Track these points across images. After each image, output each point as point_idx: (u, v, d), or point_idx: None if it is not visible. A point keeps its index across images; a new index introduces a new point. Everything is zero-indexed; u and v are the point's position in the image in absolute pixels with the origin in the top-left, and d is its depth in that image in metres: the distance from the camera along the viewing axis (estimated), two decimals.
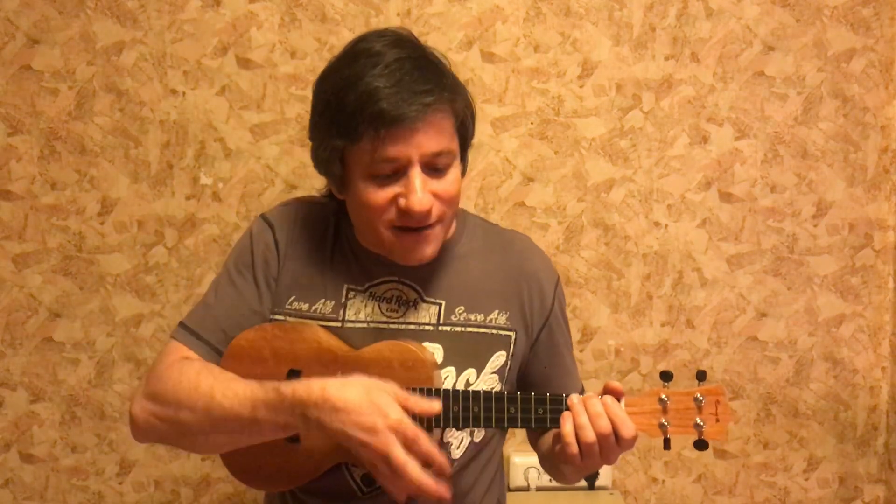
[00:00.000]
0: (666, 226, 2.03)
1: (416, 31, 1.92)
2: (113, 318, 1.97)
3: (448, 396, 1.18)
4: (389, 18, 1.93)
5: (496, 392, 1.21)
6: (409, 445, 1.10)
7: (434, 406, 1.14)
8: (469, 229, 1.36)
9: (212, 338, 1.29)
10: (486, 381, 1.30)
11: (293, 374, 1.24)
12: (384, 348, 1.23)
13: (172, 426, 1.21)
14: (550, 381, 1.36)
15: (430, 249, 1.23)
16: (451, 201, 1.22)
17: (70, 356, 1.98)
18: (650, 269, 2.04)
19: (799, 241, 2.05)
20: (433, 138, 1.17)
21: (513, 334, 1.32)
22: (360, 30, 1.92)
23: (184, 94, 1.93)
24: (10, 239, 1.95)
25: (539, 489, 2.02)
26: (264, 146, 1.95)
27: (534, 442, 1.44)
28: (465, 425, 1.20)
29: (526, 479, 2.02)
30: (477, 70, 1.96)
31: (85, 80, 1.92)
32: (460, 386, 1.28)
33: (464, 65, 1.95)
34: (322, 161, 1.25)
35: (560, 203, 2.01)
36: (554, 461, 1.31)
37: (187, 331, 1.30)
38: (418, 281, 1.29)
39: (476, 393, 1.19)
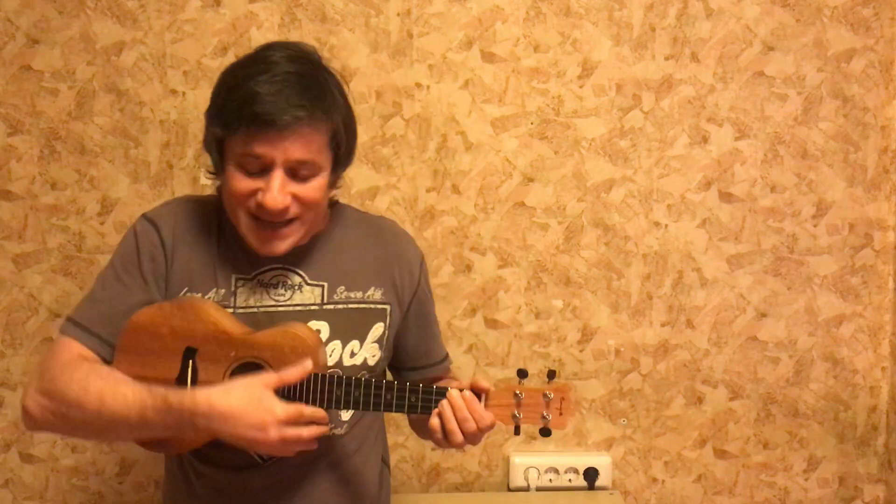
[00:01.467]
0: (666, 226, 2.03)
1: (415, 31, 1.93)
2: None
3: (332, 381, 1.31)
4: (389, 18, 1.93)
5: (375, 380, 1.34)
6: (296, 422, 1.26)
7: (306, 365, 1.29)
8: (343, 219, 1.49)
9: (102, 331, 1.35)
10: (368, 349, 1.44)
11: (189, 351, 1.32)
12: (276, 333, 1.33)
13: (64, 422, 1.30)
14: (419, 347, 1.54)
15: (283, 245, 1.34)
16: (310, 204, 1.32)
17: None
18: (650, 269, 2.04)
19: (799, 241, 2.05)
20: (299, 148, 1.28)
21: (388, 307, 1.46)
22: (361, 30, 1.93)
23: (184, 94, 1.93)
24: (10, 239, 1.95)
25: (539, 489, 2.03)
26: None
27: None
28: (347, 407, 1.35)
29: (526, 479, 2.02)
30: (477, 70, 1.96)
31: (85, 80, 1.92)
32: (346, 356, 1.42)
33: (464, 65, 1.95)
34: (206, 142, 1.37)
35: (560, 203, 2.01)
36: (422, 429, 1.43)
37: (77, 326, 1.36)
38: (301, 266, 1.41)
39: (357, 380, 1.33)
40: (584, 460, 2.04)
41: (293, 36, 1.92)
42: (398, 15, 1.94)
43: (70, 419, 1.28)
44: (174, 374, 1.32)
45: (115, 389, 1.26)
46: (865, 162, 2.04)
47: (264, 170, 1.28)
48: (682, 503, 2.11)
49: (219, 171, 1.37)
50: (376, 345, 1.45)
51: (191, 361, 1.32)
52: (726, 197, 2.03)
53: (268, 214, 1.30)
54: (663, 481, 2.10)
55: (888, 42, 2.01)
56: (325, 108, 1.29)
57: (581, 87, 1.98)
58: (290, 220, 1.32)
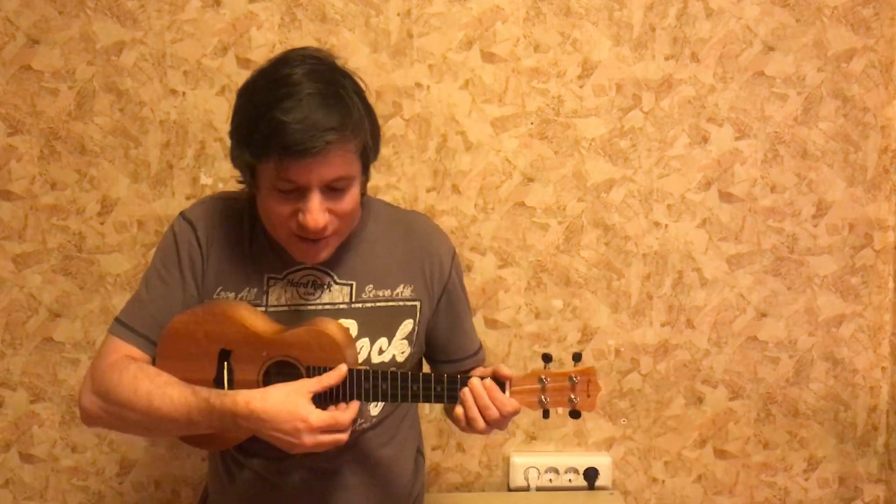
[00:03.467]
0: (666, 226, 2.03)
1: (415, 31, 1.93)
2: (113, 318, 1.97)
3: (360, 375, 1.35)
4: (389, 18, 1.93)
5: (401, 372, 1.37)
6: (329, 430, 1.31)
7: (341, 370, 1.33)
8: (373, 215, 1.50)
9: (148, 332, 1.40)
10: (396, 346, 1.47)
11: (224, 353, 1.37)
12: (305, 332, 1.37)
13: (118, 420, 1.37)
14: (451, 342, 1.56)
15: (324, 254, 1.38)
16: (346, 217, 1.36)
17: (70, 356, 1.98)
18: (650, 269, 2.04)
19: (799, 241, 2.05)
20: (333, 169, 1.30)
21: (418, 304, 1.49)
22: (360, 30, 1.93)
23: (184, 94, 1.93)
24: (10, 239, 1.95)
25: (539, 489, 2.03)
26: None
27: None
28: (375, 399, 1.37)
29: (526, 479, 2.02)
30: (477, 70, 1.96)
31: (85, 80, 1.92)
32: (374, 353, 1.45)
33: (464, 65, 1.95)
34: (234, 161, 1.38)
35: (560, 203, 2.01)
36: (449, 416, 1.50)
37: (124, 326, 1.41)
38: (330, 266, 1.43)
39: (384, 372, 1.36)
40: (584, 460, 2.04)
41: (293, 36, 1.92)
42: (398, 15, 1.94)
43: (123, 418, 1.35)
44: (212, 376, 1.37)
45: (163, 392, 1.32)
46: (865, 162, 2.04)
47: (299, 190, 1.30)
48: (682, 503, 2.11)
49: (249, 186, 1.40)
50: (405, 341, 1.48)
51: (226, 363, 1.37)
52: (726, 197, 2.03)
53: (310, 233, 1.32)
54: (663, 481, 2.10)
55: (888, 42, 2.01)
56: (352, 125, 1.30)
57: (581, 87, 1.98)
58: (329, 234, 1.35)
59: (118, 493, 2.03)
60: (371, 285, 1.45)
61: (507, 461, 2.05)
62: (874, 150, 2.03)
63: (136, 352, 1.39)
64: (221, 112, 1.94)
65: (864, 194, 2.05)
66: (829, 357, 2.08)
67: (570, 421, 2.05)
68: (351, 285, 1.44)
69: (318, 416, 1.29)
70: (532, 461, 2.03)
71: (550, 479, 2.03)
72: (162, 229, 1.95)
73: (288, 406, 1.29)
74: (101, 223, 1.95)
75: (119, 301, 1.96)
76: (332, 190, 1.32)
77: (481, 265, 2.00)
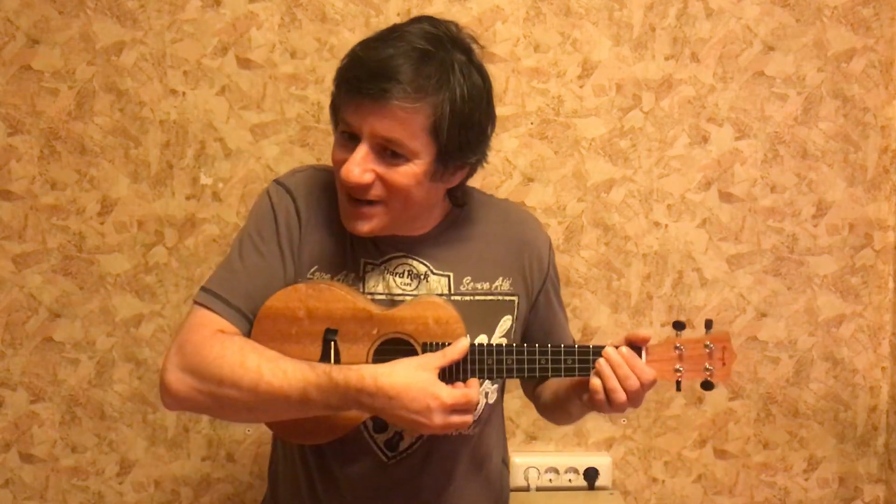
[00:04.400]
0: (666, 226, 2.03)
1: None
2: (113, 318, 1.97)
3: (483, 351, 1.26)
4: (389, 18, 1.93)
5: (528, 346, 1.28)
6: (459, 410, 1.20)
7: (464, 343, 1.24)
8: (468, 203, 1.41)
9: (242, 304, 1.27)
10: (496, 343, 1.36)
11: (330, 332, 1.27)
12: (417, 306, 1.28)
13: (214, 401, 1.22)
14: (548, 337, 1.44)
15: (365, 226, 1.26)
16: (395, 190, 1.24)
17: (70, 356, 1.98)
18: (650, 269, 2.04)
19: (799, 241, 2.05)
20: (385, 125, 1.20)
21: (516, 298, 1.39)
22: (361, 30, 1.92)
23: (184, 94, 1.93)
24: (10, 239, 1.95)
25: (539, 489, 2.03)
26: (264, 146, 1.95)
27: (529, 391, 1.54)
28: (500, 376, 1.28)
29: (526, 479, 2.02)
30: None
31: (85, 80, 1.92)
32: None
33: None
34: (331, 105, 1.30)
35: (560, 203, 2.01)
36: (564, 406, 1.40)
37: (216, 297, 1.28)
38: (426, 256, 1.34)
39: (509, 346, 1.27)
40: (584, 460, 2.04)
41: (293, 36, 1.92)
42: (398, 15, 1.94)
43: (221, 397, 1.20)
44: (316, 358, 1.26)
45: (275, 365, 1.19)
46: (865, 162, 2.04)
47: (354, 137, 1.23)
48: (682, 503, 2.11)
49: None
50: (504, 339, 1.37)
51: (333, 343, 1.27)
52: (726, 197, 2.03)
53: (349, 188, 1.23)
54: (663, 481, 2.10)
55: (888, 42, 2.01)
56: (428, 88, 1.19)
57: (581, 87, 1.98)
58: (374, 202, 1.25)
59: (118, 493, 2.03)
60: (469, 277, 1.35)
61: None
62: (874, 150, 2.04)
63: (228, 326, 1.25)
64: (221, 112, 1.94)
65: (864, 194, 2.05)
66: (829, 357, 2.08)
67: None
68: (448, 276, 1.34)
69: (450, 394, 1.19)
70: (532, 461, 2.03)
71: (550, 479, 2.03)
72: (162, 229, 1.95)
73: (419, 382, 1.18)
74: (101, 223, 1.95)
75: (119, 301, 1.96)
76: (387, 153, 1.22)
77: None
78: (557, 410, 1.46)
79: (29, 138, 1.92)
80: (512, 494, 2.03)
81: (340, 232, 1.31)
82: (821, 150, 2.03)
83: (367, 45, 1.22)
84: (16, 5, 1.89)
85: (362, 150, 1.21)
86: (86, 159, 1.94)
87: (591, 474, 2.02)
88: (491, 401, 1.40)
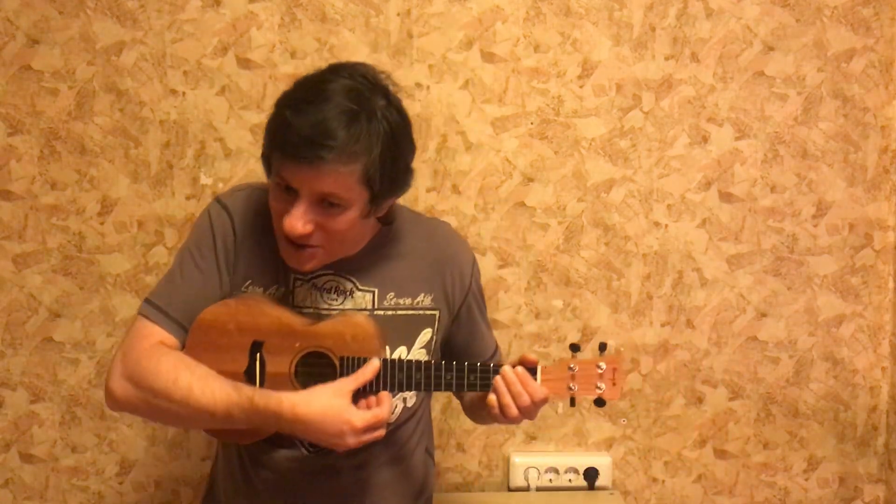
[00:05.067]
0: (666, 226, 2.03)
1: (415, 31, 1.93)
2: (113, 318, 1.97)
3: (394, 366, 1.38)
4: (389, 18, 1.93)
5: (435, 362, 1.41)
6: (370, 428, 1.33)
7: (374, 364, 1.36)
8: (397, 223, 1.50)
9: (181, 316, 1.39)
10: (415, 355, 1.47)
11: (256, 344, 1.38)
12: (337, 323, 1.39)
13: (149, 408, 1.35)
14: (469, 346, 1.57)
15: (308, 265, 1.38)
16: (336, 236, 1.35)
17: (70, 356, 1.98)
18: (650, 269, 2.04)
19: (799, 241, 2.05)
20: (323, 184, 1.29)
21: (437, 312, 1.50)
22: (361, 30, 1.92)
23: (184, 94, 1.93)
24: (10, 239, 1.95)
25: (539, 489, 2.03)
26: None
27: (458, 395, 1.66)
28: (409, 389, 1.40)
29: (526, 479, 2.02)
30: (477, 70, 1.96)
31: (85, 80, 1.92)
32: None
33: (464, 65, 1.95)
34: (262, 150, 1.39)
35: (560, 203, 2.01)
36: (477, 412, 1.56)
37: (158, 309, 1.40)
38: (353, 273, 1.44)
39: (418, 363, 1.39)
40: (584, 460, 2.04)
41: (293, 36, 1.92)
42: (398, 15, 1.94)
43: (154, 406, 1.34)
44: (243, 367, 1.38)
45: (204, 384, 1.31)
46: (865, 162, 2.04)
47: (293, 192, 1.31)
48: (682, 503, 2.11)
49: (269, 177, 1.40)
50: (423, 350, 1.48)
51: (258, 355, 1.38)
52: (726, 197, 2.03)
53: (291, 236, 1.33)
54: (663, 481, 2.10)
55: (888, 42, 2.01)
56: (358, 149, 1.28)
57: (581, 87, 1.98)
58: (315, 246, 1.35)
59: (118, 493, 2.03)
60: (392, 293, 1.46)
61: (507, 461, 2.05)
62: (874, 150, 2.04)
63: (168, 338, 1.38)
64: (221, 112, 1.94)
65: (864, 194, 2.05)
66: (829, 357, 2.08)
67: (571, 421, 2.05)
68: (373, 292, 1.45)
69: (361, 418, 1.31)
70: (532, 461, 2.03)
71: (550, 479, 2.03)
72: (162, 229, 1.96)
73: (333, 410, 1.30)
74: (101, 223, 1.95)
75: (119, 301, 1.96)
76: (326, 204, 1.31)
77: (481, 265, 1.99)
78: (473, 414, 1.62)
79: (29, 138, 1.92)
80: (512, 494, 2.04)
81: (273, 249, 1.41)
82: (821, 150, 2.03)
83: (295, 108, 1.28)
84: (16, 5, 1.89)
85: (302, 206, 1.30)
86: (86, 159, 1.94)
87: (591, 474, 2.02)
88: (410, 404, 1.51)
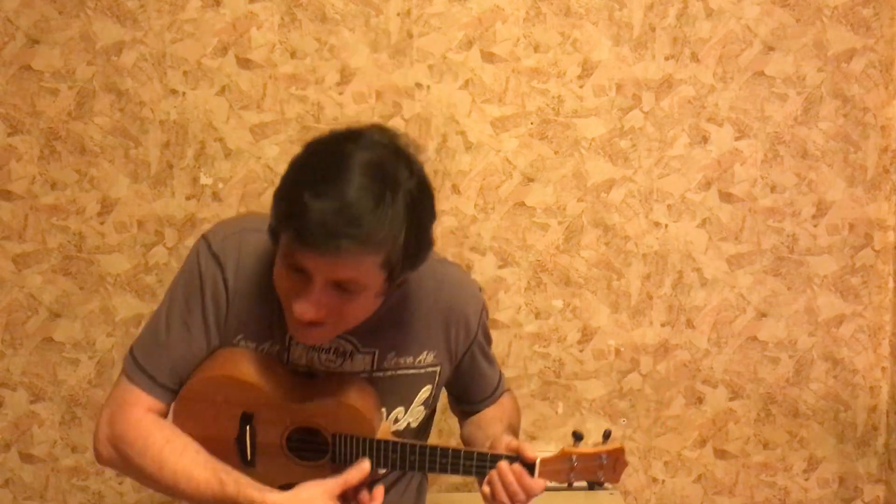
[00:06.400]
0: (666, 226, 2.03)
1: (415, 31, 1.93)
2: (113, 318, 1.97)
3: (388, 448, 1.33)
4: (389, 18, 1.93)
5: (430, 446, 1.34)
6: None
7: (364, 467, 1.31)
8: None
9: (168, 380, 1.34)
10: (413, 413, 1.42)
11: (246, 416, 1.33)
12: (332, 404, 1.32)
13: (133, 474, 1.35)
14: (469, 388, 1.51)
15: (315, 342, 1.31)
16: (348, 318, 1.26)
17: (70, 356, 1.98)
18: (650, 269, 2.04)
19: (799, 241, 2.05)
20: (341, 271, 1.18)
21: (438, 368, 1.42)
22: (361, 30, 1.92)
23: (184, 94, 1.93)
24: (10, 239, 1.95)
25: None
26: (264, 146, 1.95)
27: (455, 412, 1.60)
28: (403, 469, 1.36)
29: None
30: (477, 70, 1.96)
31: (85, 80, 1.92)
32: (389, 423, 1.40)
33: (464, 65, 1.95)
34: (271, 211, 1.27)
35: (560, 203, 2.01)
36: (473, 442, 1.50)
37: (144, 373, 1.34)
38: (354, 334, 1.34)
39: (413, 445, 1.33)
40: None
41: (293, 36, 1.92)
42: (398, 15, 1.94)
43: (139, 478, 1.33)
44: (233, 436, 1.33)
45: (190, 475, 1.28)
46: (865, 162, 2.04)
47: (302, 273, 1.20)
48: (682, 503, 2.11)
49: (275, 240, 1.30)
50: (422, 407, 1.43)
51: (248, 427, 1.33)
52: (726, 197, 2.03)
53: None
54: (663, 481, 2.10)
55: (888, 42, 2.01)
56: (379, 239, 1.16)
57: (581, 87, 1.98)
58: (323, 323, 1.25)
59: (118, 493, 2.03)
60: (393, 352, 1.37)
61: None
62: (874, 150, 2.04)
63: (155, 403, 1.33)
64: (221, 112, 1.94)
65: (864, 194, 2.05)
66: (829, 357, 2.08)
67: (571, 421, 2.05)
68: (374, 353, 1.37)
69: None
70: None
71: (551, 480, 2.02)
72: (162, 229, 1.95)
73: None
74: (101, 223, 1.95)
75: (119, 301, 1.96)
76: (341, 289, 1.21)
77: (481, 265, 2.00)
78: (469, 442, 1.54)
79: (29, 138, 1.92)
80: None
81: (268, 302, 1.31)
82: (821, 150, 2.03)
83: (313, 189, 1.15)
84: (16, 5, 1.89)
85: (315, 293, 1.20)
86: (86, 159, 1.94)
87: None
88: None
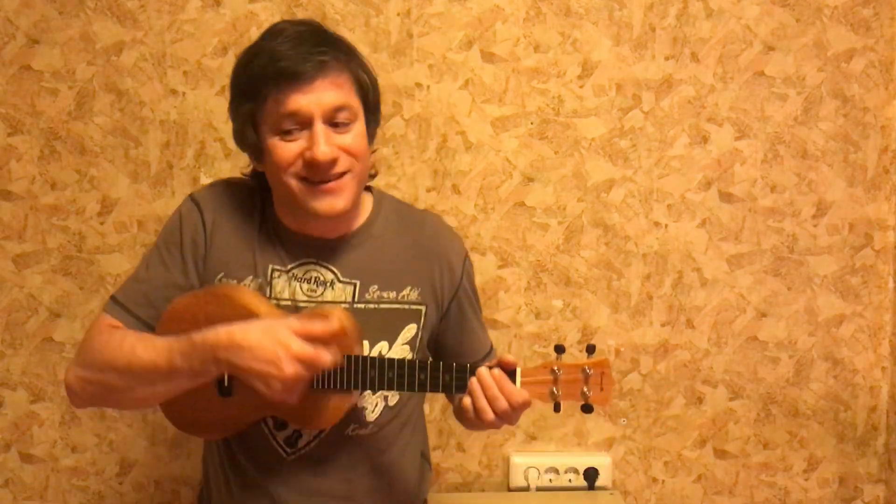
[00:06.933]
0: (666, 226, 2.03)
1: (415, 31, 1.93)
2: None
3: (365, 363, 1.31)
4: (389, 18, 1.93)
5: (408, 360, 1.35)
6: (312, 368, 1.23)
7: (332, 323, 1.25)
8: (384, 211, 1.46)
9: (141, 312, 1.37)
10: (397, 351, 1.42)
11: None
12: (313, 315, 1.31)
13: (100, 387, 1.32)
14: (461, 346, 1.51)
15: (340, 202, 1.32)
16: (357, 155, 1.32)
17: (70, 356, 1.97)
18: (650, 269, 2.04)
19: (799, 241, 2.05)
20: (332, 92, 1.29)
21: (423, 308, 1.44)
22: (361, 30, 1.93)
23: (184, 94, 1.93)
24: (10, 239, 1.95)
25: (539, 489, 2.03)
26: None
27: (449, 398, 1.58)
28: (381, 388, 1.32)
29: (526, 479, 2.02)
30: (477, 70, 1.96)
31: (85, 80, 1.92)
32: (374, 354, 1.39)
33: (464, 65, 1.95)
34: (238, 134, 1.38)
35: (560, 203, 2.01)
36: (463, 417, 1.43)
37: (118, 304, 1.38)
38: (335, 263, 1.40)
39: (391, 360, 1.32)
40: (584, 460, 2.04)
41: None
42: (398, 15, 1.94)
43: (104, 383, 1.31)
44: None
45: (147, 342, 1.29)
46: (865, 162, 2.04)
47: (302, 127, 1.29)
48: (682, 503, 2.11)
49: (257, 156, 1.38)
50: (407, 346, 1.43)
51: None
52: (726, 197, 2.03)
53: (319, 171, 1.29)
54: (663, 481, 2.10)
55: (888, 42, 2.01)
56: (344, 51, 1.32)
57: (581, 87, 1.98)
58: (342, 174, 1.32)
59: (118, 493, 2.03)
60: (376, 286, 1.40)
61: (507, 461, 2.05)
62: (874, 150, 2.04)
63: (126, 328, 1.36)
64: (221, 112, 1.93)
65: (864, 194, 2.05)
66: (829, 357, 2.08)
67: (571, 421, 2.05)
68: (355, 284, 1.40)
69: (299, 345, 1.22)
70: (532, 461, 2.03)
71: (550, 479, 2.03)
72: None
73: (270, 333, 1.22)
74: (101, 223, 1.95)
75: None
76: (336, 125, 1.30)
77: (481, 265, 2.00)
78: (461, 418, 1.51)
79: (29, 138, 1.92)
80: (512, 494, 2.04)
81: (248, 239, 1.39)
82: (821, 150, 2.03)
83: (269, 43, 1.30)
84: (16, 5, 1.89)
85: (321, 129, 1.28)
86: (86, 159, 1.94)
87: (591, 474, 2.02)
88: (392, 403, 1.45)
